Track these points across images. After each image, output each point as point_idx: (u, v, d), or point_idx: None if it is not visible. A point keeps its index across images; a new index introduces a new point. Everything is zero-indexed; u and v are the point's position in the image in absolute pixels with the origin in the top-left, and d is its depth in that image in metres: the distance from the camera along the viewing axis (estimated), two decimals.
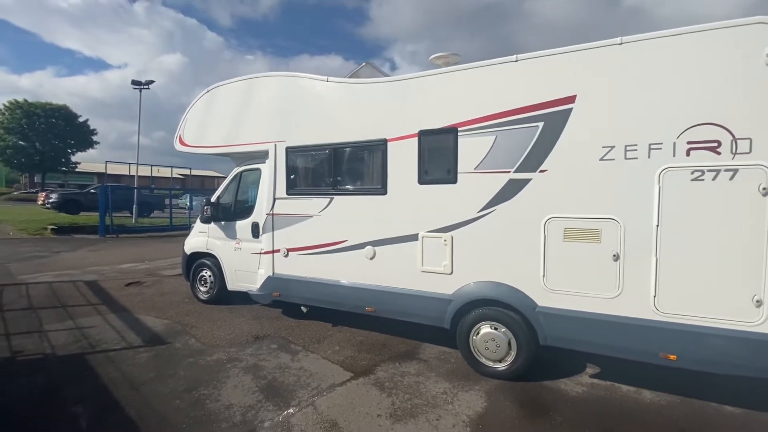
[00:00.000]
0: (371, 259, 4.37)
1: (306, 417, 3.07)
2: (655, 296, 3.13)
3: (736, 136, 2.86)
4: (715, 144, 2.92)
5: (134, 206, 17.72)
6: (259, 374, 3.79)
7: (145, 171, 21.05)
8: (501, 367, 3.74)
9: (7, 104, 36.85)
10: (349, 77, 5.08)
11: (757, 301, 2.84)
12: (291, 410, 3.16)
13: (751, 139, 2.82)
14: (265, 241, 5.16)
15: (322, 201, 4.67)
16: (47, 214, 19.09)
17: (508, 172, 3.62)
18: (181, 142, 5.84)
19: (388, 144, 4.20)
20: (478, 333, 3.82)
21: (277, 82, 4.98)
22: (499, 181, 3.66)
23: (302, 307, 5.17)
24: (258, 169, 5.35)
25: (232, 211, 5.67)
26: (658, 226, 3.09)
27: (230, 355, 4.23)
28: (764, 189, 2.79)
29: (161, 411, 3.12)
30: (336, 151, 4.56)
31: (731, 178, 2.88)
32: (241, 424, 2.97)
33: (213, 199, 5.79)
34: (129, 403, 3.22)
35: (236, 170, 5.69)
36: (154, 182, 27.04)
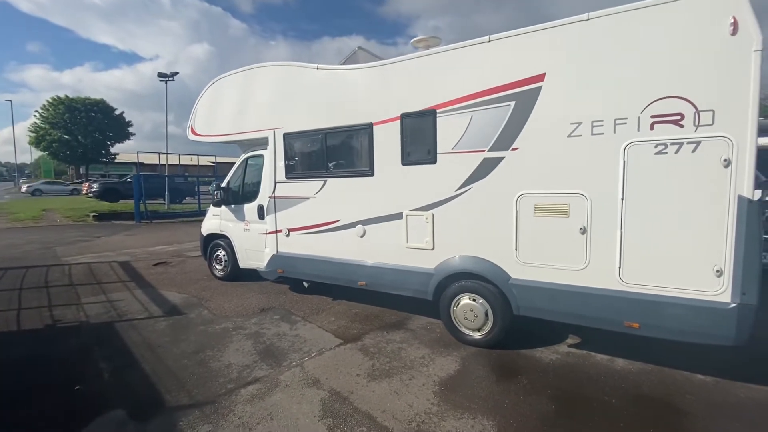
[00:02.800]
0: (361, 237, 4.66)
1: (293, 375, 3.47)
2: (620, 267, 3.24)
3: (699, 109, 2.88)
4: (678, 117, 2.95)
5: (166, 193, 18.82)
6: (259, 340, 4.22)
7: (177, 159, 22.17)
8: (479, 335, 3.98)
9: (50, 100, 39.37)
10: (344, 63, 5.28)
11: (718, 271, 2.91)
12: (281, 369, 3.56)
13: (713, 111, 2.84)
14: (269, 222, 5.56)
15: (317, 183, 4.98)
16: (90, 202, 20.65)
17: (483, 151, 3.76)
18: (193, 132, 6.28)
19: (374, 127, 4.41)
20: (458, 304, 4.07)
21: (273, 72, 5.26)
22: (475, 160, 3.82)
23: (304, 283, 5.57)
24: (261, 155, 5.71)
25: (240, 195, 6.10)
26: (623, 199, 3.18)
27: (236, 324, 4.70)
28: (725, 160, 2.82)
29: (171, 368, 3.60)
30: (328, 135, 4.83)
31: (693, 151, 2.92)
32: (237, 379, 3.40)
33: (223, 184, 6.25)
34: (145, 361, 3.73)
35: (243, 156, 6.08)
36: (187, 170, 28.38)
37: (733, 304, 2.87)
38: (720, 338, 2.97)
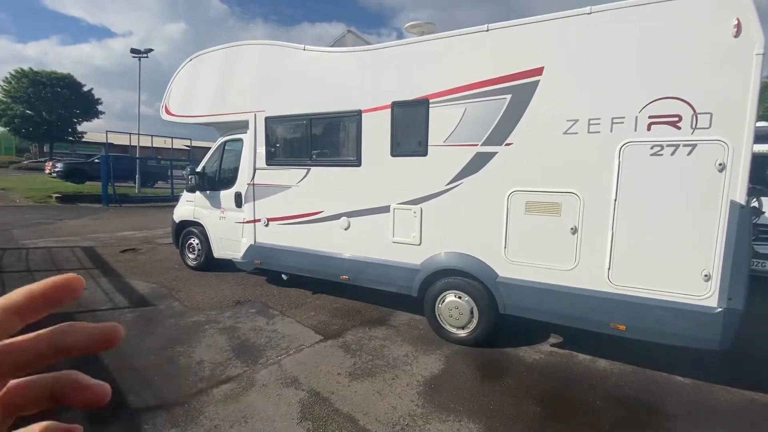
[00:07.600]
0: (346, 229, 4.47)
1: (270, 373, 3.28)
2: (609, 269, 3.20)
3: (697, 111, 2.83)
4: (676, 118, 2.90)
5: (137, 176, 17.95)
6: (233, 335, 3.99)
7: (150, 141, 21.16)
8: (463, 333, 3.89)
9: (13, 73, 36.73)
10: (332, 46, 5.02)
11: (706, 276, 2.90)
12: (257, 367, 3.37)
13: (711, 114, 2.80)
14: (247, 211, 5.28)
15: (300, 172, 4.74)
16: (53, 182, 19.44)
17: (476, 145, 3.64)
18: (167, 112, 5.88)
19: (363, 115, 4.21)
20: (443, 301, 3.96)
21: (256, 51, 4.95)
22: (467, 154, 3.69)
23: (282, 275, 5.35)
24: (240, 140, 5.40)
25: (216, 180, 5.78)
26: (615, 200, 3.12)
27: (210, 317, 4.44)
28: (720, 165, 2.79)
29: (136, 365, 3.34)
30: (313, 121, 4.59)
31: (689, 154, 2.88)
32: (209, 378, 3.18)
33: (198, 168, 5.90)
34: (107, 357, 3.44)
35: (220, 140, 5.75)
36: (160, 153, 27.15)
37: (720, 309, 2.87)
38: (705, 342, 2.98)
